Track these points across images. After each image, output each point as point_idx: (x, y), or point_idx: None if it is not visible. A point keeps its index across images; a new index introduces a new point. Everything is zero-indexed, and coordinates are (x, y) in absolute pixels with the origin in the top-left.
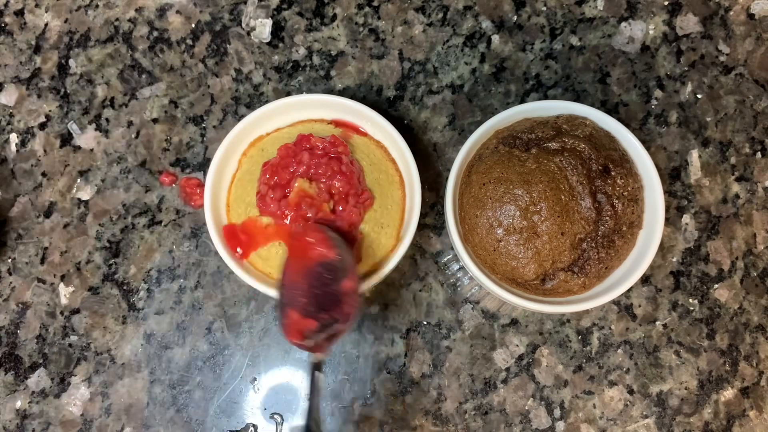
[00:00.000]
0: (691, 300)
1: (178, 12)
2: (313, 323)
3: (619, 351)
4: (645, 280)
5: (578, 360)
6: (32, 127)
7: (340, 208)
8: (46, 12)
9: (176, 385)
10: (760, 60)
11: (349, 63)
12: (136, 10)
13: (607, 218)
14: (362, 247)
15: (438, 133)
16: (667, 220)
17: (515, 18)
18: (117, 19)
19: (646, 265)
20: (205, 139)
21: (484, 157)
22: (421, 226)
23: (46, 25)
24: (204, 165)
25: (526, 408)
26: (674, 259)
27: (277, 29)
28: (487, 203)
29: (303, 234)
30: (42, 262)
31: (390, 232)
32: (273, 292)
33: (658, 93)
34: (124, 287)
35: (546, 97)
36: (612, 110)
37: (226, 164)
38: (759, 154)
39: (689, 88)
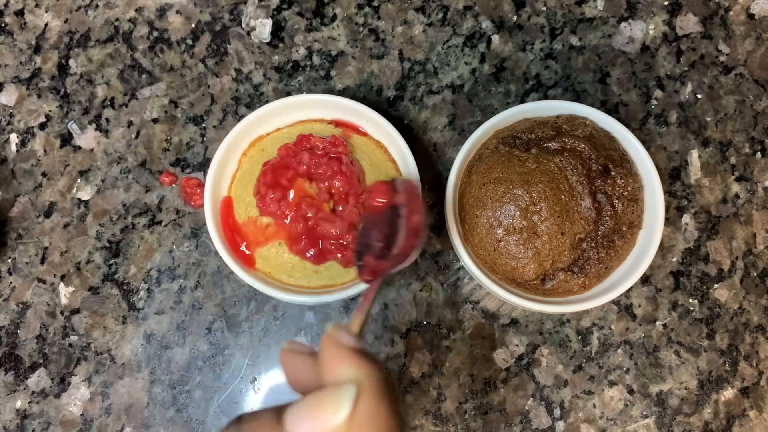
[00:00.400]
0: (691, 300)
1: (178, 12)
2: (388, 264)
3: (619, 351)
4: (645, 280)
5: (578, 360)
6: (32, 127)
7: (340, 208)
8: (46, 12)
9: (176, 385)
10: (760, 60)
11: (349, 63)
12: (136, 10)
13: (607, 218)
14: None
15: (438, 133)
16: (667, 220)
17: (515, 18)
18: (117, 19)
19: (646, 265)
20: (205, 139)
21: (484, 157)
22: None
23: (46, 25)
24: (204, 165)
25: (526, 408)
26: (674, 259)
27: (277, 29)
28: (487, 203)
29: (371, 198)
30: (42, 262)
31: None
32: (273, 292)
33: (658, 93)
34: (124, 287)
35: (546, 97)
36: (612, 110)
37: (226, 164)
38: (759, 154)
39: (689, 88)
